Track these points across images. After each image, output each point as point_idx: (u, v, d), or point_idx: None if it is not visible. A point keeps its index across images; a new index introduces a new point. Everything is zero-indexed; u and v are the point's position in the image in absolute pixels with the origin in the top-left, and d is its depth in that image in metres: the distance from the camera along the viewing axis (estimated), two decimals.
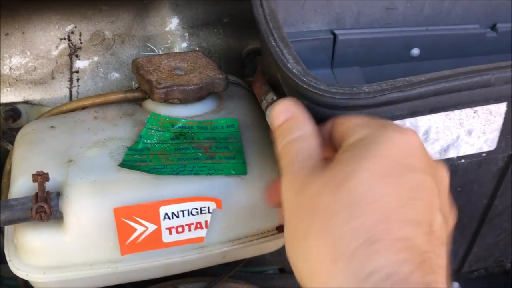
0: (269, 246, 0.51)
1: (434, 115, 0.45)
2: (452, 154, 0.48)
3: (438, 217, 0.32)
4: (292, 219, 0.33)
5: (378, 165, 0.32)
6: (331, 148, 0.37)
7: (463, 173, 0.51)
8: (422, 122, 0.45)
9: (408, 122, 0.45)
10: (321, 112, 0.41)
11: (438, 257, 0.30)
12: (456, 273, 0.71)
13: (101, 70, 0.63)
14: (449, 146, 0.48)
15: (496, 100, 0.45)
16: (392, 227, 0.29)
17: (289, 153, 0.36)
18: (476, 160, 0.50)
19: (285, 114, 0.38)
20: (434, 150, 0.47)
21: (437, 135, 0.47)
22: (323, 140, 0.37)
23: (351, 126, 0.36)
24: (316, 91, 0.40)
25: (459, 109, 0.45)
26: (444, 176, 0.36)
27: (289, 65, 0.43)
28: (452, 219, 0.36)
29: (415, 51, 0.61)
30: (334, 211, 0.30)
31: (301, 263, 0.32)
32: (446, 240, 0.33)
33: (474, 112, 0.46)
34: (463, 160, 0.49)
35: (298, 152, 0.35)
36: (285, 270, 0.75)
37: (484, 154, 0.50)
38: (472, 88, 0.43)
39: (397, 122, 0.44)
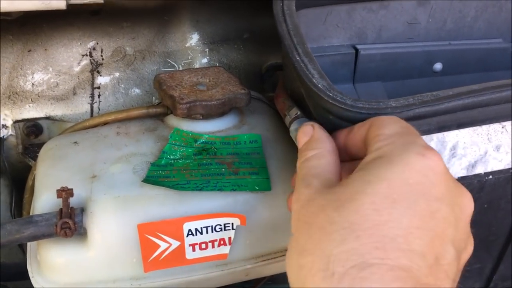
0: None
1: (461, 130, 0.44)
2: (480, 170, 0.48)
3: (449, 251, 0.31)
4: (295, 232, 0.33)
5: (388, 189, 0.30)
6: (364, 149, 0.36)
7: (491, 190, 0.50)
8: (450, 137, 0.44)
9: (435, 137, 0.44)
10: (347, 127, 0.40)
11: None
12: None
13: (122, 86, 0.63)
14: (477, 162, 0.47)
15: None
16: (389, 256, 0.28)
17: (302, 171, 0.36)
18: (504, 177, 0.49)
19: (305, 137, 0.39)
20: (461, 166, 0.47)
21: (464, 151, 0.46)
22: (357, 142, 0.37)
23: (380, 136, 0.35)
24: (342, 106, 0.40)
25: (487, 124, 0.45)
26: (467, 204, 0.34)
27: (314, 80, 0.42)
28: (469, 250, 0.34)
29: (438, 66, 0.61)
30: (329, 231, 0.30)
31: (295, 275, 0.32)
32: (454, 275, 0.31)
33: (503, 127, 0.45)
34: (490, 176, 0.48)
35: (309, 169, 0.36)
36: None
37: None
38: (500, 102, 0.42)
39: (424, 137, 0.44)
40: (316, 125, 0.40)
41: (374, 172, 0.31)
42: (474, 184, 0.49)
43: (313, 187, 0.34)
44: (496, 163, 0.47)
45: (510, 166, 0.48)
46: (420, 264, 0.29)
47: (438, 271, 0.30)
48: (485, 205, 0.52)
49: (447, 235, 0.31)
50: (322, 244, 0.30)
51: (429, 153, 0.32)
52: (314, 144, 0.38)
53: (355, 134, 0.38)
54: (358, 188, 0.31)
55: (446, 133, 0.44)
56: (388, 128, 0.35)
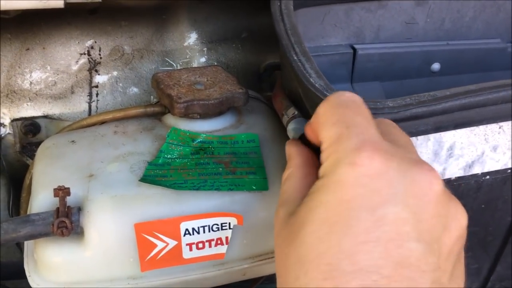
0: None
1: (459, 130, 0.44)
2: (477, 170, 0.48)
3: (414, 247, 0.29)
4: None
5: (326, 213, 0.29)
6: None
7: (488, 190, 0.50)
8: (447, 138, 0.44)
9: (432, 138, 0.44)
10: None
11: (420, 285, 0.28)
12: None
13: (120, 85, 0.63)
14: (474, 162, 0.47)
15: None
16: (338, 283, 0.27)
17: (279, 197, 0.36)
18: (501, 177, 0.49)
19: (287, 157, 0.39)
20: (458, 166, 0.47)
21: (461, 151, 0.46)
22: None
23: (322, 145, 0.33)
24: None
25: (484, 124, 0.45)
26: (425, 187, 0.30)
27: (311, 80, 0.42)
28: (454, 225, 0.31)
29: (436, 66, 0.61)
30: (287, 267, 0.30)
31: None
32: (433, 265, 0.29)
33: (500, 128, 0.46)
34: (488, 177, 0.49)
35: (280, 195, 0.36)
36: None
37: (509, 171, 0.49)
38: (497, 103, 0.42)
39: (421, 137, 0.44)
40: (288, 142, 0.39)
41: (315, 197, 0.31)
42: (471, 184, 0.49)
43: (279, 219, 0.34)
44: (493, 164, 0.47)
45: (507, 167, 0.48)
46: (375, 278, 0.27)
47: (406, 272, 0.28)
48: (483, 205, 0.52)
49: (405, 234, 0.29)
50: (284, 283, 0.30)
51: (360, 159, 0.29)
52: (288, 163, 0.37)
53: (315, 133, 0.35)
54: (302, 217, 0.31)
55: (443, 133, 0.44)
56: (326, 131, 0.33)
